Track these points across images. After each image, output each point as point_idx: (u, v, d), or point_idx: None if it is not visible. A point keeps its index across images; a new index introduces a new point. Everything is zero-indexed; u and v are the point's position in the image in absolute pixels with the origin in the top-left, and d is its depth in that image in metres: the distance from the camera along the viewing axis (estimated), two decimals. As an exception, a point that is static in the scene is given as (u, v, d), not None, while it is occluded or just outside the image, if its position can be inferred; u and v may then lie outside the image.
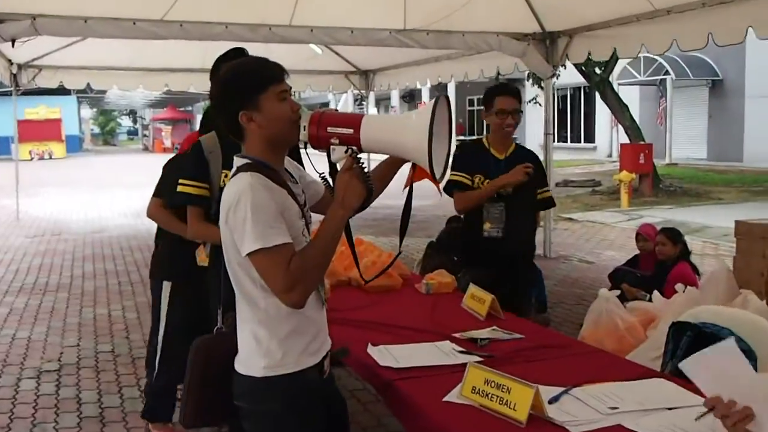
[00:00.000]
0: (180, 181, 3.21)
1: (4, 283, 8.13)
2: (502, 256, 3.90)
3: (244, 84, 2.05)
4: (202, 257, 3.53)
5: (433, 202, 15.03)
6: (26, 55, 10.41)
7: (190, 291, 3.68)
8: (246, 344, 2.10)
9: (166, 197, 3.73)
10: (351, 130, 1.99)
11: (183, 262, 3.55)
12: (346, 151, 2.00)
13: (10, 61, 10.56)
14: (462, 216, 4.38)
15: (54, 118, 37.84)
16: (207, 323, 3.82)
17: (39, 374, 5.18)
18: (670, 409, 2.18)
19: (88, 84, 11.85)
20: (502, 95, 3.93)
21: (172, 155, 3.95)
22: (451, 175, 4.02)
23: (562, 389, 2.32)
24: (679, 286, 4.56)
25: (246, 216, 1.94)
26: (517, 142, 4.10)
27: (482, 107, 4.17)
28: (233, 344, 2.14)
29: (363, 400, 4.55)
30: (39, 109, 36.77)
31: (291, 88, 2.11)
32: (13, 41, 7.07)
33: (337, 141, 2.00)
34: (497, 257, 3.90)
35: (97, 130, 62.73)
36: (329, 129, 2.01)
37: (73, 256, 9.87)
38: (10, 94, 12.15)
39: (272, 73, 2.06)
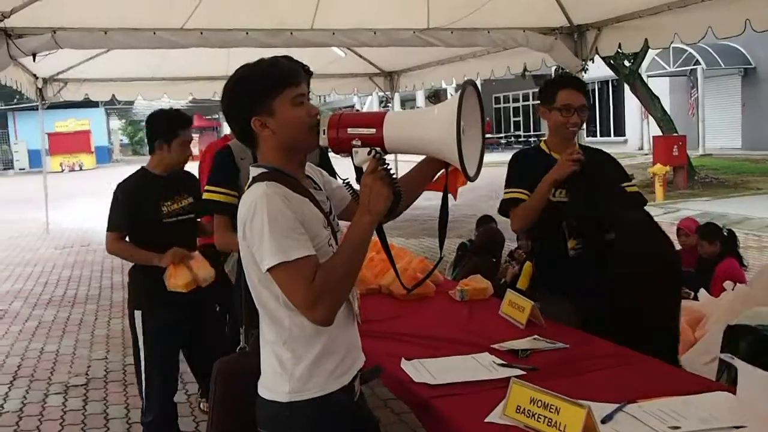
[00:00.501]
0: (206, 187, 3.06)
1: (33, 296, 8.10)
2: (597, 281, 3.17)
3: (255, 88, 1.90)
4: (171, 282, 3.45)
5: (460, 201, 14.85)
6: (51, 69, 10.41)
7: (164, 318, 3.52)
8: (269, 367, 1.95)
9: (123, 227, 3.57)
10: (373, 130, 1.83)
11: (151, 290, 3.45)
12: (369, 153, 1.83)
13: (35, 75, 10.57)
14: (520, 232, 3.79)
15: (83, 130, 38.30)
16: (192, 348, 3.76)
17: (66, 389, 5.11)
18: (737, 428, 1.99)
19: (113, 95, 11.85)
20: (567, 88, 3.34)
21: (121, 181, 3.74)
22: (505, 193, 3.43)
23: (615, 406, 2.13)
24: (727, 284, 4.35)
25: (263, 229, 1.80)
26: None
27: (539, 102, 3.51)
28: (257, 365, 2.00)
29: (397, 410, 4.39)
30: (68, 122, 37.24)
31: (308, 91, 1.95)
32: (34, 55, 7.02)
33: (359, 142, 1.84)
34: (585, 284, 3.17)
35: (126, 140, 63.32)
36: (350, 130, 1.85)
37: (102, 267, 9.85)
38: (38, 108, 12.20)
39: (286, 76, 1.91)
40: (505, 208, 3.41)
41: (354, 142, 1.85)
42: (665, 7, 7.09)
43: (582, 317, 3.18)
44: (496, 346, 2.84)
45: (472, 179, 1.82)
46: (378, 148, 1.83)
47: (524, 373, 2.50)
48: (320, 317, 1.82)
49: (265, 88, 1.89)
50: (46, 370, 5.54)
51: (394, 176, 1.84)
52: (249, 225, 1.84)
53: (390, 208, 1.84)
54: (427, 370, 2.57)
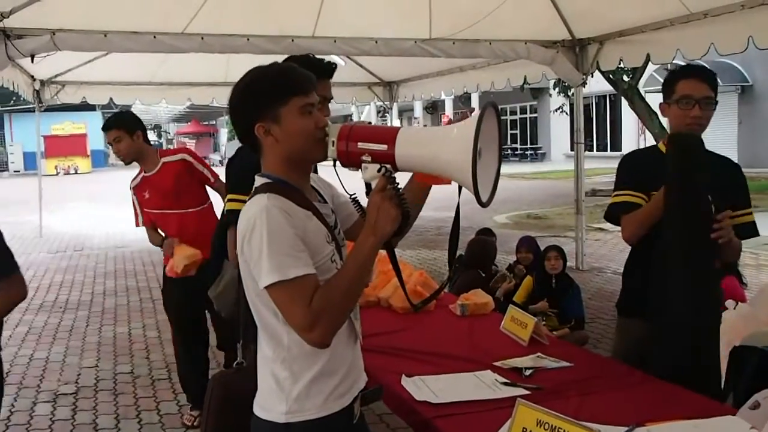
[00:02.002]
0: (228, 196, 2.97)
1: (24, 301, 7.98)
2: None
3: (262, 93, 1.82)
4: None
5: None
6: (49, 72, 10.35)
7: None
8: (266, 385, 1.87)
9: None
10: (385, 146, 1.73)
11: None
12: (379, 170, 1.74)
13: (32, 77, 10.50)
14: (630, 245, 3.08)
15: (79, 134, 38.21)
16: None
17: (55, 398, 5.01)
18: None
19: (111, 99, 11.78)
20: (689, 78, 2.87)
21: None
22: (613, 196, 3.07)
23: (624, 429, 2.06)
24: (729, 303, 4.27)
25: (261, 244, 1.72)
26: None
27: (662, 96, 3.00)
28: (253, 381, 1.92)
29: (393, 425, 4.31)
30: (65, 125, 37.17)
31: (318, 101, 1.87)
32: (33, 56, 6.97)
33: (369, 158, 1.75)
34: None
35: (122, 144, 63.20)
36: (360, 145, 1.76)
37: (95, 272, 9.75)
38: (35, 111, 12.12)
39: (296, 84, 1.82)
40: (615, 212, 3.03)
41: (364, 158, 1.76)
42: (668, 22, 7.08)
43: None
44: (498, 363, 2.77)
45: (484, 205, 1.70)
46: (388, 166, 1.75)
47: (528, 392, 2.43)
48: (317, 339, 1.74)
49: (273, 94, 1.82)
50: (35, 378, 5.44)
51: (403, 196, 1.76)
52: (248, 240, 1.76)
53: (398, 228, 1.76)
54: (428, 388, 2.50)
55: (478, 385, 2.54)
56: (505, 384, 2.54)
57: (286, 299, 1.73)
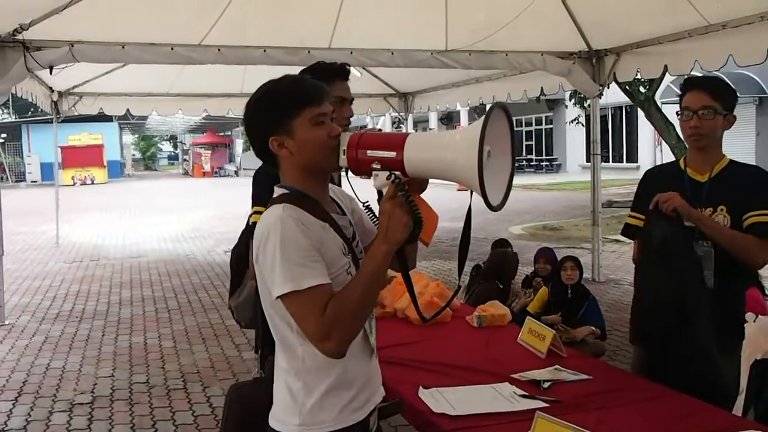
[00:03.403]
0: (253, 208, 2.98)
1: (40, 311, 8.04)
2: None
3: (274, 107, 1.83)
4: None
5: (473, 224, 14.75)
6: (67, 83, 10.45)
7: None
8: (280, 397, 1.86)
9: None
10: (393, 153, 1.72)
11: None
12: (388, 177, 1.73)
13: (51, 88, 10.61)
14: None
15: (96, 144, 38.51)
16: None
17: (71, 407, 5.01)
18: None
19: (128, 110, 11.88)
20: (689, 90, 2.90)
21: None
22: (628, 215, 3.12)
23: (644, 444, 2.04)
24: (749, 315, 4.22)
25: (275, 254, 1.72)
26: (732, 159, 2.99)
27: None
28: (271, 393, 1.91)
29: (409, 438, 4.29)
30: (81, 136, 37.47)
31: (332, 111, 1.86)
32: (51, 68, 7.04)
33: (378, 165, 1.74)
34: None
35: (138, 155, 63.68)
36: (369, 152, 1.75)
37: (111, 282, 9.79)
38: (52, 122, 12.23)
39: (306, 95, 1.82)
40: (630, 233, 3.09)
41: (374, 165, 1.75)
42: (685, 33, 7.04)
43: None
44: (516, 375, 2.75)
45: (495, 209, 1.69)
46: (398, 172, 1.73)
47: (547, 405, 2.41)
48: (331, 349, 1.73)
49: (284, 107, 1.82)
50: (51, 387, 5.45)
51: (413, 202, 1.74)
52: (262, 250, 1.76)
53: (410, 235, 1.75)
54: (446, 400, 2.48)
55: (496, 398, 2.52)
56: (524, 396, 2.51)
57: (300, 309, 1.73)
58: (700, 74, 5.59)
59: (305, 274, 1.71)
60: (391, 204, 1.72)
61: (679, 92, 2.98)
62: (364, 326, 1.85)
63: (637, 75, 8.27)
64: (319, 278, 1.72)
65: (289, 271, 1.70)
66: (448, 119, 38.13)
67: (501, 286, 5.96)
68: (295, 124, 1.81)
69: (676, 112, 3.01)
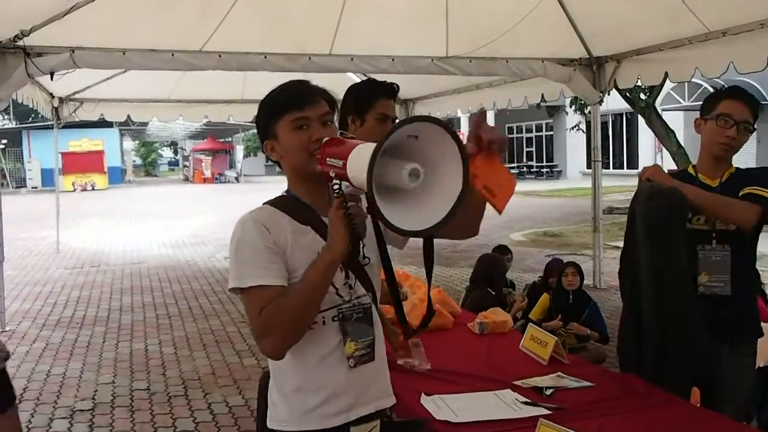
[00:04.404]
0: None
1: (41, 317, 8.03)
2: (723, 326, 2.80)
3: (264, 112, 1.93)
4: None
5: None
6: (67, 89, 10.45)
7: None
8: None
9: None
10: (341, 163, 1.67)
11: None
12: (332, 187, 1.72)
13: (51, 94, 10.61)
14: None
15: (96, 150, 38.50)
16: None
17: (72, 414, 5.00)
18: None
19: (129, 116, 11.89)
20: (733, 98, 2.87)
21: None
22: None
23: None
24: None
25: (233, 252, 1.86)
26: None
27: (699, 114, 3.02)
28: None
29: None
30: (82, 142, 37.45)
31: (321, 114, 1.86)
32: (52, 74, 7.04)
33: (333, 174, 1.71)
34: (716, 327, 2.78)
35: (138, 161, 63.67)
36: (328, 160, 1.73)
37: (111, 288, 9.78)
38: (53, 127, 12.24)
39: (287, 100, 1.88)
40: None
41: (331, 173, 1.72)
42: (686, 41, 7.05)
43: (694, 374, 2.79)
44: (518, 382, 2.74)
45: (433, 229, 1.60)
46: (346, 183, 1.68)
47: (549, 412, 2.40)
48: (266, 350, 1.82)
49: (270, 112, 1.91)
50: (52, 394, 5.44)
51: (352, 216, 1.70)
52: (229, 247, 1.88)
53: (353, 249, 1.75)
54: (448, 407, 2.47)
55: (499, 405, 2.51)
56: (526, 403, 2.51)
57: (246, 306, 1.84)
58: (701, 81, 5.58)
59: (252, 275, 1.79)
60: (334, 215, 1.73)
61: (711, 95, 2.99)
62: (341, 336, 1.86)
63: (637, 82, 8.27)
64: (265, 279, 1.78)
65: (238, 269, 1.82)
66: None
67: (493, 293, 5.91)
68: (278, 128, 1.89)
69: (695, 119, 2.99)
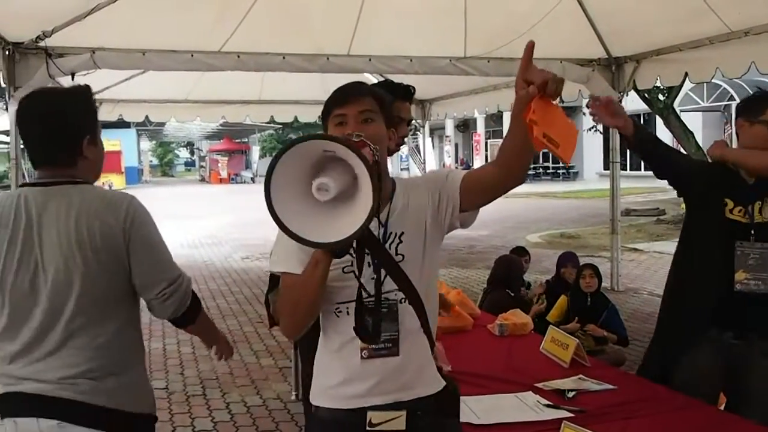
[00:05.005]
0: None
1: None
2: (754, 327, 2.78)
3: (322, 112, 2.01)
4: None
5: (490, 232, 14.76)
6: (87, 89, 10.52)
7: None
8: None
9: None
10: None
11: None
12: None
13: (71, 95, 10.69)
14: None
15: (114, 150, 38.72)
16: None
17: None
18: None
19: (147, 116, 11.95)
20: None
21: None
22: None
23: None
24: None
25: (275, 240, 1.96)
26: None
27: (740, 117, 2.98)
28: None
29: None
30: (100, 142, 37.71)
31: (358, 111, 1.90)
32: (73, 75, 7.09)
33: None
34: (747, 327, 2.78)
35: (155, 161, 64.05)
36: None
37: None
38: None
39: (332, 99, 1.95)
40: None
41: None
42: (706, 41, 6.98)
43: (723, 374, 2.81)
44: (539, 385, 2.73)
45: (292, 237, 1.63)
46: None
47: (572, 414, 2.39)
48: (282, 330, 1.98)
49: (322, 112, 1.98)
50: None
51: None
52: None
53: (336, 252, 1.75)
54: (470, 409, 2.46)
55: (520, 407, 2.50)
56: (548, 406, 2.49)
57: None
58: (721, 82, 5.53)
59: (276, 261, 1.92)
60: None
61: (758, 96, 3.02)
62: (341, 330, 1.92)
63: (656, 82, 8.22)
64: (287, 267, 1.88)
65: (272, 256, 1.95)
66: (465, 126, 38.12)
67: (512, 294, 5.87)
68: (328, 124, 1.95)
69: (737, 119, 2.97)
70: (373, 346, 1.91)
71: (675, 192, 3.38)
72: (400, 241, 1.91)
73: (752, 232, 2.79)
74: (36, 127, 2.11)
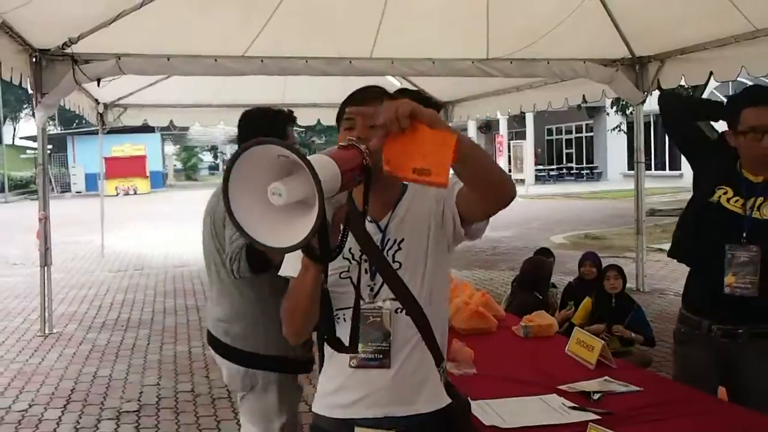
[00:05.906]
0: None
1: (87, 319, 8.18)
2: (751, 324, 2.76)
3: (337, 114, 1.97)
4: None
5: (514, 233, 14.70)
6: (112, 95, 10.65)
7: None
8: None
9: None
10: None
11: None
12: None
13: (96, 100, 10.82)
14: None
15: (139, 155, 39.08)
16: None
17: (119, 415, 5.08)
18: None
19: (171, 121, 12.07)
20: (755, 105, 2.74)
21: None
22: None
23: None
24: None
25: None
26: None
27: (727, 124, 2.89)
28: None
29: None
30: (124, 147, 38.05)
31: (370, 113, 1.74)
32: (99, 80, 7.19)
33: None
34: (744, 324, 2.76)
35: (179, 165, 64.47)
36: None
37: (155, 291, 9.92)
38: (98, 133, 12.47)
39: (346, 101, 1.93)
40: None
41: None
42: (731, 39, 6.92)
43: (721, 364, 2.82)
44: (564, 387, 2.71)
45: (285, 251, 1.56)
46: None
47: (599, 417, 2.37)
48: (284, 334, 1.94)
49: (338, 112, 1.95)
50: (98, 395, 5.53)
51: (326, 225, 1.61)
52: None
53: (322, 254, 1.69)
54: (495, 412, 2.45)
55: (546, 410, 2.48)
56: (574, 408, 2.47)
57: None
58: (746, 80, 5.44)
59: (286, 265, 1.95)
60: None
61: (729, 104, 2.92)
62: (339, 336, 1.80)
63: (681, 82, 8.15)
64: (292, 271, 1.86)
65: (285, 260, 1.95)
66: (487, 128, 37.98)
67: (540, 297, 5.84)
68: (340, 127, 1.92)
69: (724, 131, 2.90)
70: (362, 356, 1.87)
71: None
72: (399, 248, 1.87)
73: (744, 230, 2.73)
74: None
